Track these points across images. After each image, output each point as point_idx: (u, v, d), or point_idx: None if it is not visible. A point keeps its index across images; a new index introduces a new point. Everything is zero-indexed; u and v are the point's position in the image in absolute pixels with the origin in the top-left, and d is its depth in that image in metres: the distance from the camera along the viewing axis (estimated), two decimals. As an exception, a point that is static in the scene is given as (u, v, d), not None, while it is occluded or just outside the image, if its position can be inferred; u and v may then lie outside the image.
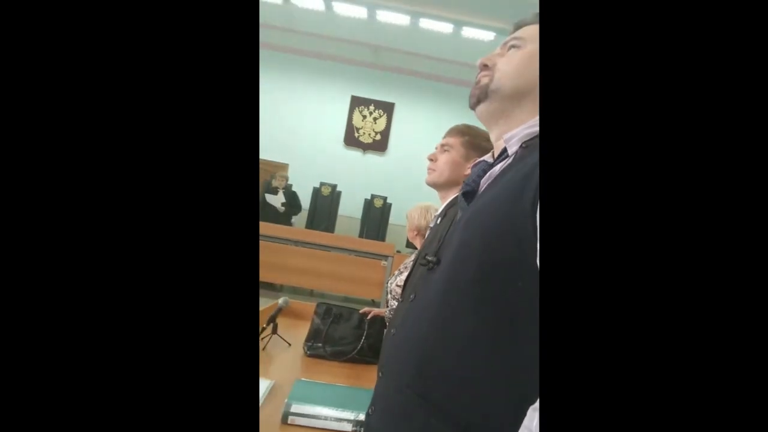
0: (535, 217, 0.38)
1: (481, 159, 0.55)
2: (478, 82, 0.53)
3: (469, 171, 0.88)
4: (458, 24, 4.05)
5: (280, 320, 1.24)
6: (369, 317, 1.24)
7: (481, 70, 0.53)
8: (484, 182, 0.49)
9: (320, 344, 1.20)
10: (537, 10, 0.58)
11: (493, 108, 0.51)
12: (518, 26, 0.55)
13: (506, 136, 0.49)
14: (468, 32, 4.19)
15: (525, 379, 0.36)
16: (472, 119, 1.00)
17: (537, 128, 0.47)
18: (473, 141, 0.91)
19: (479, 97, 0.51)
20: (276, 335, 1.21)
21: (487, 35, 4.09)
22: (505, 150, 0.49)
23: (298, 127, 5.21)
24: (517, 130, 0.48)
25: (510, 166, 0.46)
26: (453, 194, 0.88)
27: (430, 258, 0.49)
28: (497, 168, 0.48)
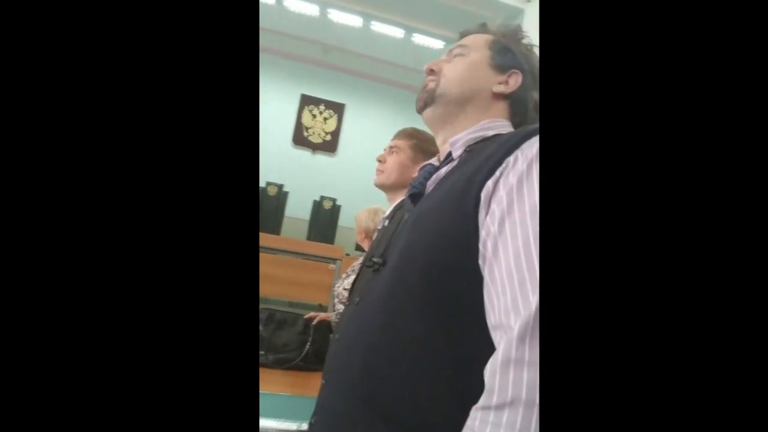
0: (477, 219, 0.39)
1: (428, 162, 0.55)
2: (425, 87, 0.53)
3: (416, 174, 0.90)
4: (409, 30, 4.14)
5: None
6: (314, 322, 1.20)
7: (428, 74, 0.54)
8: (430, 185, 0.50)
9: (263, 352, 1.14)
10: (483, 21, 0.61)
11: (438, 112, 0.52)
12: (463, 35, 0.57)
13: (451, 140, 0.50)
14: (419, 39, 4.31)
15: (470, 381, 0.37)
16: (422, 124, 1.01)
17: (480, 133, 0.50)
18: (421, 144, 0.93)
19: (426, 101, 0.52)
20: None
21: (437, 43, 4.23)
22: (450, 153, 0.51)
23: (243, 122, 4.94)
24: (462, 134, 0.50)
25: (454, 169, 0.48)
26: (401, 196, 0.89)
27: (376, 259, 0.48)
28: (443, 171, 0.49)
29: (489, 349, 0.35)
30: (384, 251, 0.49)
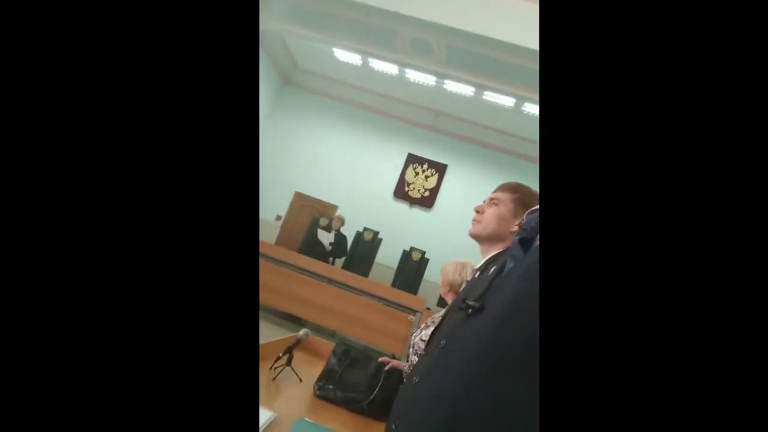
0: None
1: (538, 207, 0.50)
2: None
3: (515, 228, 0.85)
4: (521, 99, 4.20)
5: (296, 353, 1.21)
6: (387, 368, 1.16)
7: None
8: None
9: (332, 386, 1.14)
10: None
11: None
12: None
13: None
14: (529, 108, 4.32)
15: None
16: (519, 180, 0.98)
17: None
18: (523, 199, 0.89)
19: None
20: (289, 367, 1.17)
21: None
22: None
23: (354, 173, 5.51)
24: None
25: None
26: (495, 250, 0.85)
27: (471, 302, 0.44)
28: None
29: None
30: (482, 296, 0.45)
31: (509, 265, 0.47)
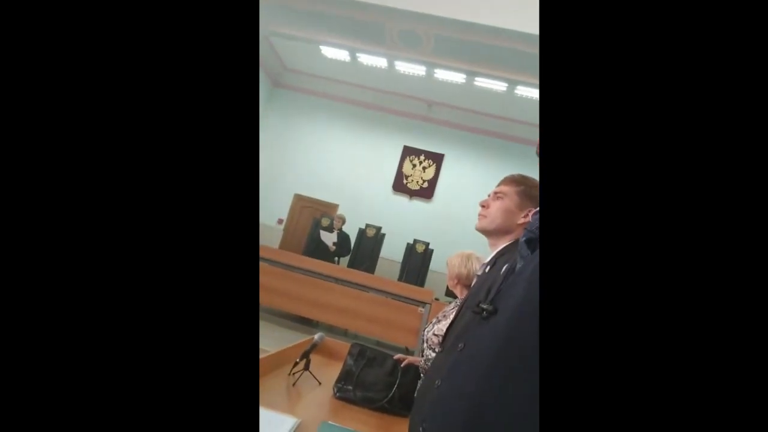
0: None
1: None
2: None
3: (522, 220, 0.86)
4: (512, 83, 4.17)
5: (313, 357, 1.23)
6: (403, 365, 1.18)
7: None
8: None
9: (350, 387, 1.16)
10: None
11: None
12: None
13: None
14: (521, 90, 4.29)
15: None
16: (520, 173, 0.99)
17: None
18: (528, 191, 0.89)
19: None
20: (308, 372, 1.19)
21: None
22: None
23: (352, 170, 5.50)
24: None
25: None
26: (503, 243, 0.86)
27: (485, 306, 0.46)
28: None
29: None
30: (494, 298, 0.46)
31: (519, 264, 0.48)
